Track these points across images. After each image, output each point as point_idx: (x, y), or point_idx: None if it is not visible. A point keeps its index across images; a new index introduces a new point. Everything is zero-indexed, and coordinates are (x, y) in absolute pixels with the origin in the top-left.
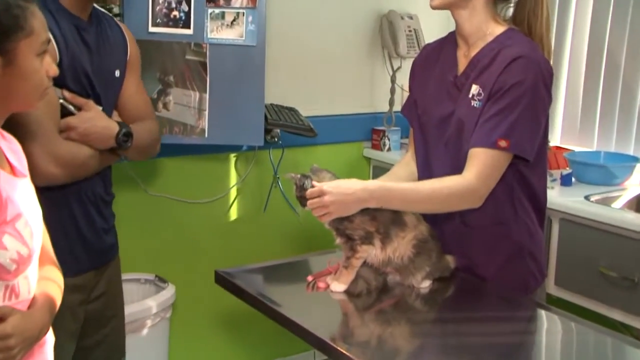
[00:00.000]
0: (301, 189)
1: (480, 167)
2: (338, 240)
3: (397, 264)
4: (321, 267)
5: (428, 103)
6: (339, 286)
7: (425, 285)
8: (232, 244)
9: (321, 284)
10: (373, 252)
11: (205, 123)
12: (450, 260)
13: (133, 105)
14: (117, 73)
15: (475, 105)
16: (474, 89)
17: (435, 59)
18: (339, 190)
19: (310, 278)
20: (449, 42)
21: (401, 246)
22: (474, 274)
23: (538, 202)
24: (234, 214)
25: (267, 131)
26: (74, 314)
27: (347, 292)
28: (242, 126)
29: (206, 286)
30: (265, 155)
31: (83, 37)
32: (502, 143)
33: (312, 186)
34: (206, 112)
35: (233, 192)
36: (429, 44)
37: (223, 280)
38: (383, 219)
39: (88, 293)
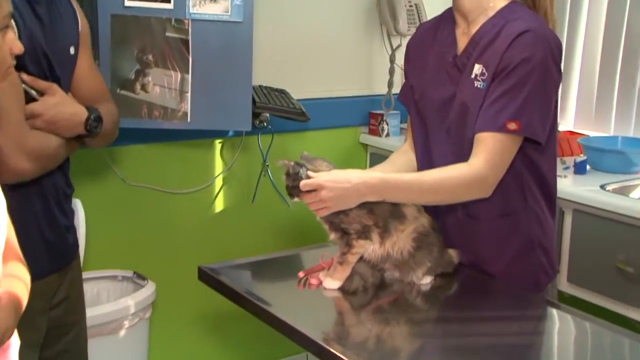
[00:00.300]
0: (294, 178)
1: (489, 153)
2: (332, 236)
3: (396, 259)
4: (313, 263)
5: (426, 87)
6: (332, 283)
7: (427, 281)
8: (217, 237)
9: (313, 281)
10: (371, 248)
11: (187, 106)
12: (454, 254)
13: (88, 86)
14: (72, 50)
15: (479, 86)
16: (477, 68)
17: (431, 39)
18: (337, 184)
19: (301, 274)
20: (446, 20)
21: (400, 240)
22: (480, 269)
23: (548, 190)
24: (219, 205)
25: (255, 115)
26: (35, 324)
27: (341, 289)
28: (228, 110)
29: (189, 283)
30: (253, 141)
31: (35, 11)
32: (512, 125)
33: (308, 176)
34: (188, 95)
35: (218, 182)
36: (423, 24)
37: (207, 276)
38: (381, 212)
39: (49, 299)
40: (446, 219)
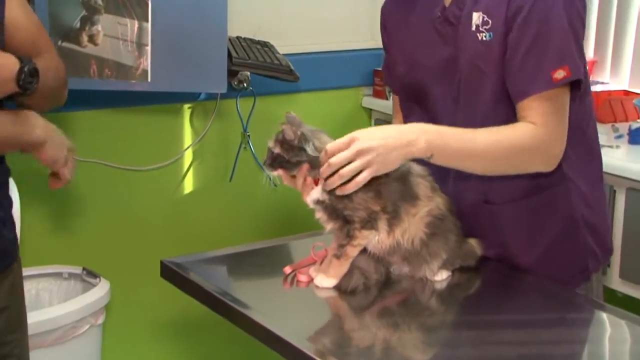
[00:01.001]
0: (297, 152)
1: (543, 117)
2: (330, 226)
3: (406, 249)
4: (303, 255)
5: (414, 54)
6: (327, 281)
7: (442, 277)
8: (185, 225)
9: (303, 278)
10: (376, 238)
11: (147, 63)
12: (475, 244)
13: (23, 33)
14: None
15: (484, 38)
16: (476, 17)
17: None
18: (376, 133)
19: (288, 269)
20: None
21: (412, 226)
22: (508, 262)
23: (591, 150)
24: (188, 185)
25: (232, 74)
26: None
27: (337, 288)
28: (198, 67)
29: (151, 282)
30: (231, 106)
31: None
32: (560, 73)
33: (315, 154)
34: (148, 48)
35: (187, 156)
36: None
37: (172, 273)
38: (390, 194)
39: None
40: (461, 202)
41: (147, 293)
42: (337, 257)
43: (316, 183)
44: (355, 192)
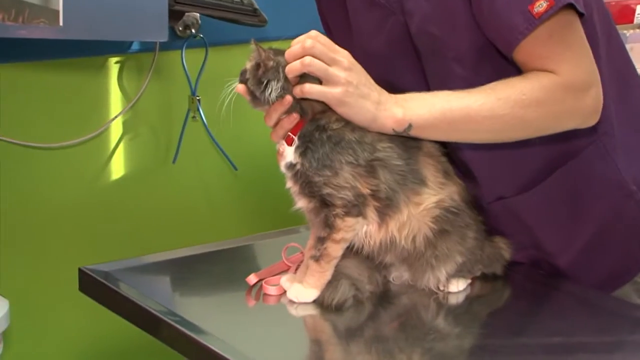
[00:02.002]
0: (274, 73)
1: (558, 58)
2: (300, 204)
3: (405, 249)
4: (273, 259)
5: (364, 44)
6: (305, 292)
7: (459, 288)
8: (113, 221)
9: (271, 290)
10: (364, 230)
11: (58, 1)
12: (504, 245)
13: None
14: None
15: None
16: None
17: None
18: (359, 66)
19: (253, 279)
20: None
21: (413, 220)
22: (545, 265)
23: (629, 85)
24: (117, 168)
25: (175, 16)
26: None
27: (319, 302)
28: (129, 6)
29: (65, 297)
30: (174, 61)
31: None
32: (540, 5)
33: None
34: None
35: (115, 130)
36: None
37: (95, 285)
38: (388, 175)
39: None
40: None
41: (61, 314)
42: (316, 258)
43: (289, 142)
44: (340, 161)
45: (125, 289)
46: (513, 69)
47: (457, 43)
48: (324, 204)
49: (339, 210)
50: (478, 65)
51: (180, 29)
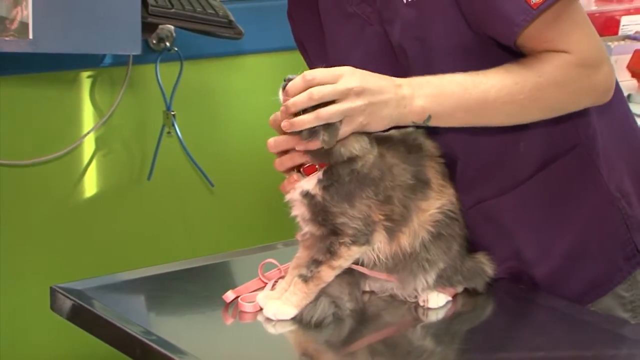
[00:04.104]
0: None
1: (567, 38)
2: (307, 229)
3: (406, 255)
4: (250, 276)
5: (341, 59)
6: (284, 309)
7: (439, 304)
8: (86, 239)
9: (248, 307)
10: (376, 246)
11: (27, 13)
12: (484, 261)
13: None
14: None
15: None
16: None
17: None
18: (369, 78)
19: (231, 295)
20: None
21: (418, 226)
22: (525, 276)
23: (616, 104)
24: (89, 186)
25: (149, 28)
26: None
27: (297, 320)
28: (101, 19)
29: (37, 317)
30: (148, 75)
31: None
32: None
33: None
34: None
35: (87, 146)
36: None
37: (67, 304)
38: (400, 196)
39: None
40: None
41: (32, 334)
42: (305, 279)
43: (308, 171)
44: (361, 196)
45: (99, 308)
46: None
47: (446, 45)
48: (333, 232)
49: (347, 239)
50: (468, 65)
51: (154, 41)
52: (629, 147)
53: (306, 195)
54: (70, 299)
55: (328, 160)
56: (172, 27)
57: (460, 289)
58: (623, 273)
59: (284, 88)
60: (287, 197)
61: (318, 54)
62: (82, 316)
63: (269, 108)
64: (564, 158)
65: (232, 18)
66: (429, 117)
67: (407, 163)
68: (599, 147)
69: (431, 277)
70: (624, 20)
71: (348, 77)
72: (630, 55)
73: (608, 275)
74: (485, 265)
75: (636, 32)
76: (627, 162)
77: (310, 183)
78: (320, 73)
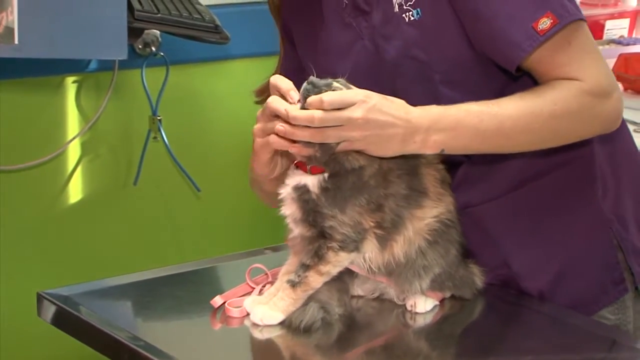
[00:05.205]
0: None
1: (578, 64)
2: (298, 231)
3: (399, 263)
4: (237, 281)
5: (329, 66)
6: (270, 315)
7: (426, 308)
8: (72, 245)
9: (235, 312)
10: (366, 256)
11: (12, 18)
12: (477, 272)
13: None
14: None
15: (413, 17)
16: None
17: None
18: (384, 106)
19: (219, 300)
20: None
21: (413, 234)
22: (514, 282)
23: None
24: (75, 191)
25: (135, 33)
26: None
27: (285, 325)
28: (86, 24)
29: (24, 323)
30: (134, 80)
31: None
32: (544, 22)
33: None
34: None
35: (73, 151)
36: None
37: (54, 310)
38: (392, 205)
39: None
40: None
41: (18, 340)
42: (293, 284)
43: (315, 170)
44: (354, 204)
45: (86, 314)
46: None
47: (446, 65)
48: (321, 234)
49: (335, 244)
50: (466, 84)
51: (140, 46)
52: (633, 173)
53: (300, 189)
54: (57, 305)
55: (327, 168)
56: (157, 32)
57: (448, 294)
58: (610, 297)
59: (305, 94)
60: (281, 192)
61: (304, 45)
62: (69, 322)
63: (255, 113)
64: (556, 172)
65: (218, 23)
66: (443, 150)
67: (403, 169)
68: (596, 167)
69: (425, 283)
70: (609, 24)
71: (357, 106)
72: (615, 60)
73: (594, 297)
74: (476, 277)
75: (620, 37)
76: (631, 187)
77: (311, 180)
78: (337, 100)
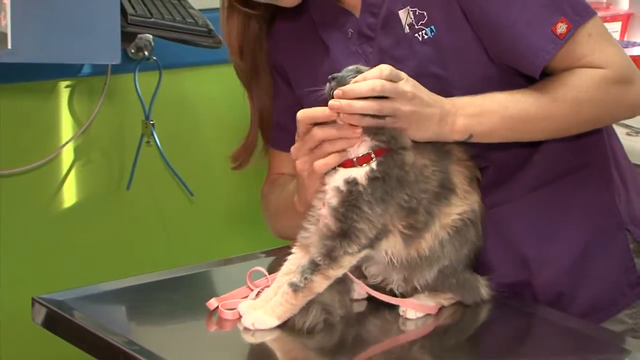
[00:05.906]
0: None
1: (599, 54)
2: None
3: (423, 258)
4: (231, 285)
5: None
6: (264, 320)
7: (415, 315)
8: (67, 248)
9: (228, 315)
10: (389, 250)
11: (6, 22)
12: (484, 284)
13: None
14: None
15: (426, 35)
16: (405, 16)
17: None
18: (418, 84)
19: (214, 303)
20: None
21: (439, 229)
22: (527, 290)
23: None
24: (70, 194)
25: (128, 38)
26: None
27: (288, 326)
28: (80, 28)
29: (18, 328)
30: (127, 84)
31: None
32: (561, 27)
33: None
34: (7, 2)
35: (66, 156)
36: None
37: (50, 315)
38: (426, 203)
39: None
40: None
41: (13, 346)
42: (295, 288)
43: (362, 161)
44: (396, 193)
45: (81, 319)
46: None
47: (464, 78)
48: (343, 234)
49: (355, 248)
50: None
51: (133, 51)
52: (632, 173)
53: (350, 182)
54: (52, 310)
55: (388, 143)
56: (150, 37)
57: (446, 302)
58: (627, 299)
59: (333, 86)
60: (327, 182)
61: (303, 80)
62: (64, 327)
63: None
64: (575, 174)
65: (211, 27)
66: (470, 136)
67: (435, 166)
68: (611, 169)
69: (433, 273)
70: None
71: (406, 81)
72: None
73: (612, 300)
74: (482, 285)
75: None
76: (634, 187)
77: (360, 171)
78: (394, 72)
